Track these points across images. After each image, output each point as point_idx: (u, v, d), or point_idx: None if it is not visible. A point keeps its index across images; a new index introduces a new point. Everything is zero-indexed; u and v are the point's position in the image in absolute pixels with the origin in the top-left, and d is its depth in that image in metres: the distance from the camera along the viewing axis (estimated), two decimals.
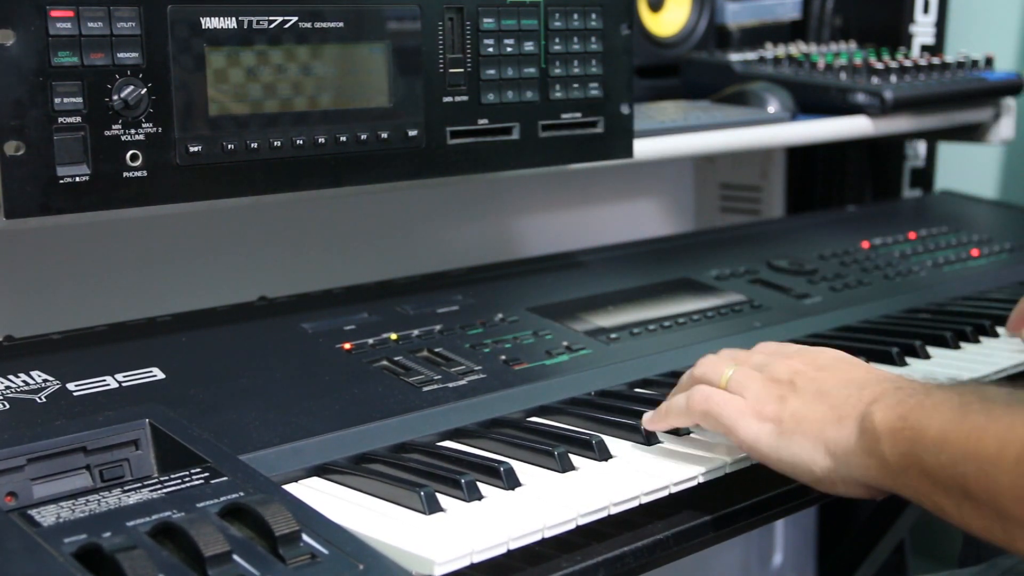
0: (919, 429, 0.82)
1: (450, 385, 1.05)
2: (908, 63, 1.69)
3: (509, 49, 1.16)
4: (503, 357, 1.12)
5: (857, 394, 0.89)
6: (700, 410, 0.94)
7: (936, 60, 1.73)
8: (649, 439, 0.98)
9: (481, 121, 1.16)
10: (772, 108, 1.60)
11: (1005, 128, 1.82)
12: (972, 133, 1.84)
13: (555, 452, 0.93)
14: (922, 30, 1.91)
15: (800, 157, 2.00)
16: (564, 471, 0.92)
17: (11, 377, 0.96)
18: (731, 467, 0.95)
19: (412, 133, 1.11)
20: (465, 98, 1.14)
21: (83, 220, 0.97)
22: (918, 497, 0.83)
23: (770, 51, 1.77)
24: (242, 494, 0.79)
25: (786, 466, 0.90)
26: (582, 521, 0.85)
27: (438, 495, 0.85)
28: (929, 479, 0.81)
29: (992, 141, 1.83)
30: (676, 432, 1.00)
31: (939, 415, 0.81)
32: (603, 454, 0.95)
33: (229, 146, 1.00)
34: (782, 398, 0.92)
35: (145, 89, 0.95)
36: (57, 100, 0.91)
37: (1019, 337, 1.27)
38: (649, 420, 0.99)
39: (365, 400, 1.01)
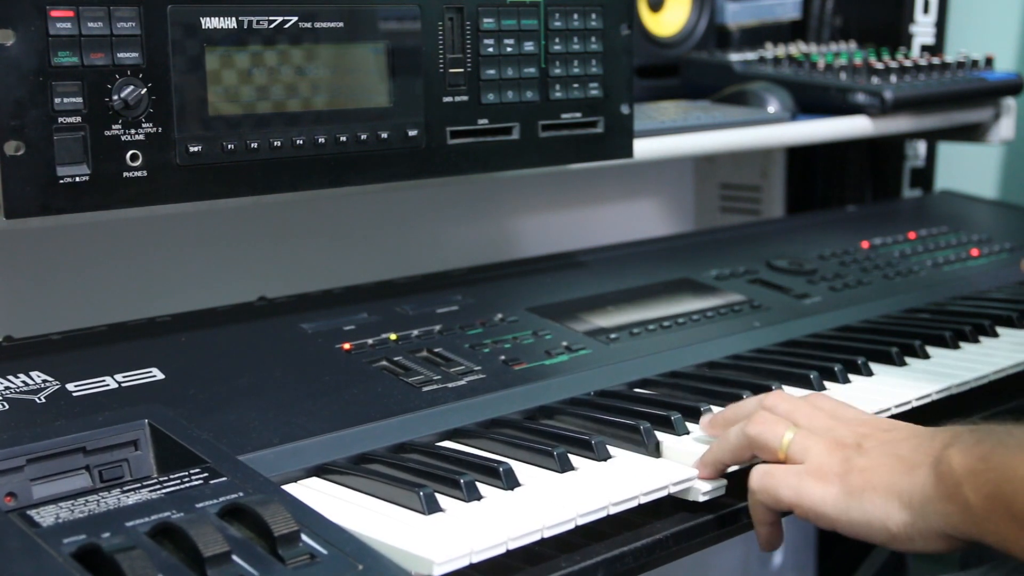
0: (1004, 470, 0.77)
1: (449, 385, 1.05)
2: (908, 63, 1.69)
3: (509, 49, 1.16)
4: (503, 357, 1.12)
5: (928, 442, 0.84)
6: (757, 486, 0.89)
7: (936, 60, 1.73)
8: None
9: (481, 121, 1.16)
10: (772, 108, 1.60)
11: (1005, 128, 1.82)
12: (972, 133, 1.84)
13: (554, 452, 0.93)
14: (922, 30, 1.91)
15: (800, 157, 2.00)
16: (563, 471, 0.92)
17: (11, 377, 0.96)
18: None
19: (412, 133, 1.11)
20: (465, 98, 1.14)
21: (83, 220, 0.97)
22: (1005, 543, 0.78)
23: (770, 51, 1.76)
24: (241, 494, 0.79)
25: (858, 527, 0.84)
26: (581, 521, 0.85)
27: (437, 495, 0.85)
28: (1017, 523, 0.76)
29: (992, 141, 1.83)
30: (675, 433, 1.00)
31: None
32: (602, 454, 0.95)
33: (229, 146, 1.00)
34: (847, 459, 0.86)
35: (145, 89, 0.95)
36: (57, 100, 0.91)
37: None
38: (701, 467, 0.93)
39: (365, 400, 1.01)
